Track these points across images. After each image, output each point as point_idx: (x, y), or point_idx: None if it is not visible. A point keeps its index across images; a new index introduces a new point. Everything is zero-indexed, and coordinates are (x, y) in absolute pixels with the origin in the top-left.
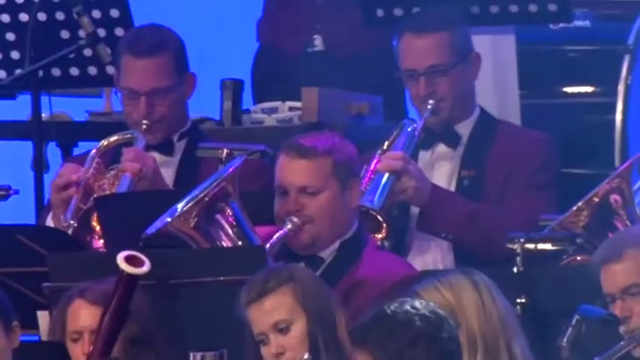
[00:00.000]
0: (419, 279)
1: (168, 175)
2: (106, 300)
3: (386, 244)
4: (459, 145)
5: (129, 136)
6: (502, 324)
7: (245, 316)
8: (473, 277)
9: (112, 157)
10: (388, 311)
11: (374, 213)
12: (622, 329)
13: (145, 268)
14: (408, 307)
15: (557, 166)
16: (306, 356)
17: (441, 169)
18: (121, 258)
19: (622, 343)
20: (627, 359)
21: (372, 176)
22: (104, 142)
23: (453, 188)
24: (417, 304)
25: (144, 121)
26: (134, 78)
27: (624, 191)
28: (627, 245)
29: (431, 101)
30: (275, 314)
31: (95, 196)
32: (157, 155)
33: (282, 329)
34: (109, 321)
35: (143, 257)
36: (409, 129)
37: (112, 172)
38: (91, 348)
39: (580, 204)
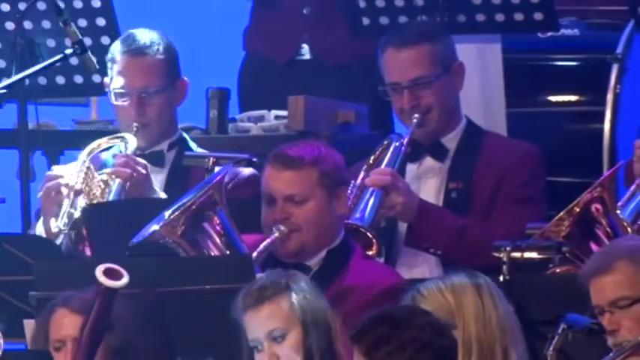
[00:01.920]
0: (407, 286)
1: (158, 185)
2: (90, 309)
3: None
4: (446, 158)
5: (119, 139)
6: (501, 330)
7: (241, 320)
8: (477, 280)
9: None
10: (387, 314)
11: (364, 230)
12: (610, 341)
13: (124, 280)
14: (405, 313)
15: (545, 178)
16: None
17: (429, 182)
18: (99, 271)
19: (610, 355)
20: None
21: (359, 192)
22: (94, 145)
23: (440, 201)
24: (416, 311)
25: (134, 124)
26: (126, 76)
27: (606, 200)
28: (617, 257)
29: (416, 115)
30: (270, 322)
31: (83, 205)
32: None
33: (277, 338)
34: (88, 334)
35: (122, 270)
36: (396, 143)
37: (103, 177)
38: None
39: (561, 214)
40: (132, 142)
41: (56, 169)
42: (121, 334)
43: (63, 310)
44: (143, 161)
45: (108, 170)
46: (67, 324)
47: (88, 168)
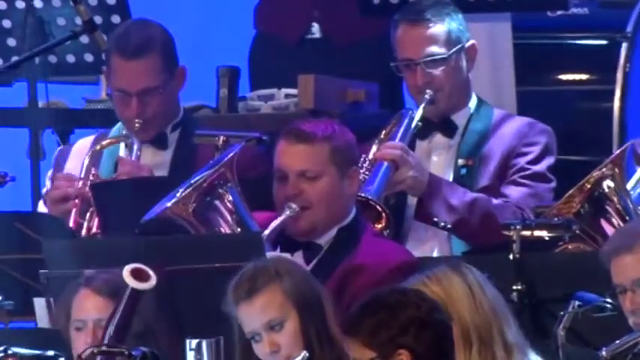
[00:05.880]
0: (418, 265)
1: (164, 166)
2: (112, 291)
3: (385, 233)
4: (455, 134)
5: (122, 138)
6: (494, 313)
7: (234, 313)
8: (460, 269)
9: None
10: (378, 299)
11: (373, 203)
12: (631, 321)
13: (151, 282)
14: (397, 295)
15: (555, 155)
16: (303, 354)
17: (438, 159)
18: (127, 271)
19: (631, 335)
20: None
21: (370, 166)
22: (97, 147)
23: (450, 177)
24: (407, 291)
25: (136, 120)
26: (124, 79)
27: (616, 178)
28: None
29: (428, 91)
30: (267, 313)
31: (92, 182)
32: (151, 149)
33: (275, 327)
34: (112, 331)
35: (149, 271)
36: (407, 119)
37: None
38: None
39: (572, 191)
40: (136, 143)
41: (62, 176)
42: (143, 319)
43: (86, 291)
44: (147, 166)
45: (112, 177)
46: (89, 305)
47: (93, 174)
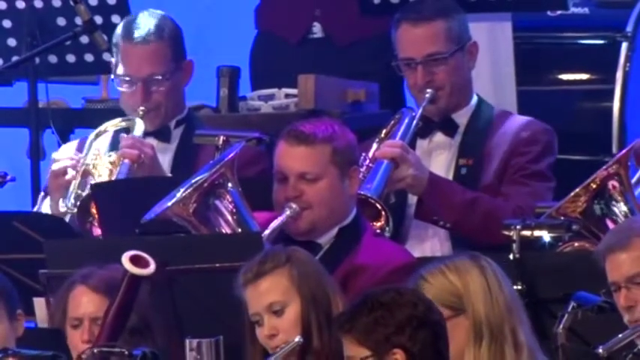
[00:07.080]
0: (417, 265)
1: (165, 162)
2: (108, 288)
3: (386, 231)
4: (456, 133)
5: (127, 121)
6: (508, 310)
7: (242, 296)
8: (480, 261)
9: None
10: (373, 298)
11: (372, 201)
12: (626, 318)
13: (151, 269)
14: (393, 293)
15: (555, 155)
16: (297, 339)
17: (439, 158)
18: (126, 258)
19: (626, 332)
20: (631, 348)
21: (370, 164)
22: (102, 128)
23: (450, 177)
24: (402, 290)
25: (141, 108)
26: (131, 65)
27: (622, 177)
28: (634, 234)
29: (429, 90)
30: (270, 296)
31: (92, 182)
32: (154, 142)
33: (277, 311)
34: (111, 319)
35: (148, 258)
36: (407, 118)
37: (110, 159)
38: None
39: (578, 190)
40: (139, 125)
41: (63, 151)
42: (138, 314)
43: (82, 288)
44: (150, 142)
45: (115, 152)
46: (85, 302)
47: (97, 149)
